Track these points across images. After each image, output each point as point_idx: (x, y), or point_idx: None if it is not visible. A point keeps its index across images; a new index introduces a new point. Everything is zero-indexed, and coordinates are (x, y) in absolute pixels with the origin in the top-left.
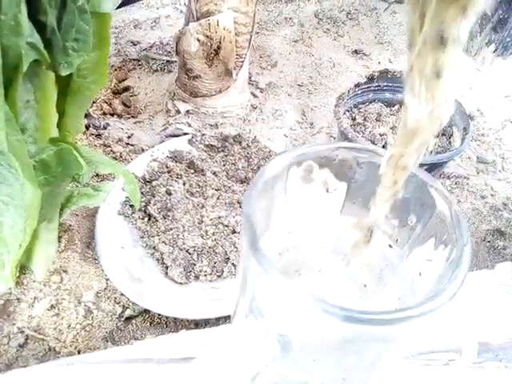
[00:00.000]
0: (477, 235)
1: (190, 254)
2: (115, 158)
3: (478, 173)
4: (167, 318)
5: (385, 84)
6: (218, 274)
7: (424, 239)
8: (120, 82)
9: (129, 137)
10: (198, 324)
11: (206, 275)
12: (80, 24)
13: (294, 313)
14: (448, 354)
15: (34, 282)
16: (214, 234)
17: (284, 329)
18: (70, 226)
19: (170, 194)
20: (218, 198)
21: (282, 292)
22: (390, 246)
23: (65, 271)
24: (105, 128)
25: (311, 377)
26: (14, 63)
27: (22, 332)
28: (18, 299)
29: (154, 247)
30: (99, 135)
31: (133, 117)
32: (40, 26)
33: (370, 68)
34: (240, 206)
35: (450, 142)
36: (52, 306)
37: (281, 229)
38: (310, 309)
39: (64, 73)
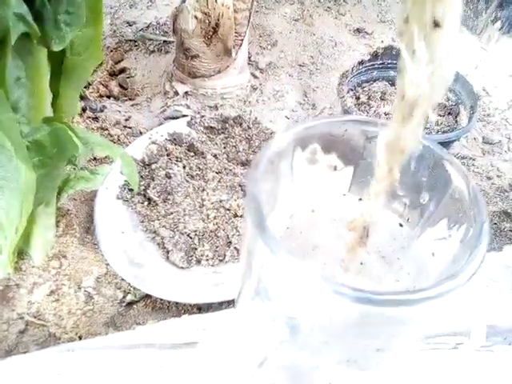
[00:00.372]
0: None
1: (191, 238)
2: (113, 141)
3: (483, 154)
4: (169, 302)
5: (389, 61)
6: (220, 258)
7: (437, 218)
8: (116, 63)
9: (126, 119)
10: (200, 308)
11: (207, 259)
12: None
13: (302, 294)
14: (456, 337)
15: (33, 267)
16: (215, 217)
17: (292, 311)
18: (68, 210)
19: (169, 178)
20: (218, 181)
21: (290, 273)
22: (401, 225)
23: (64, 256)
24: (101, 111)
25: (321, 360)
26: (0, 36)
27: (22, 318)
28: (16, 285)
29: (155, 231)
30: (96, 118)
31: (130, 99)
32: None
33: (373, 47)
34: (242, 189)
35: (456, 121)
36: (52, 291)
37: (287, 209)
38: (320, 290)
39: (56, 48)
